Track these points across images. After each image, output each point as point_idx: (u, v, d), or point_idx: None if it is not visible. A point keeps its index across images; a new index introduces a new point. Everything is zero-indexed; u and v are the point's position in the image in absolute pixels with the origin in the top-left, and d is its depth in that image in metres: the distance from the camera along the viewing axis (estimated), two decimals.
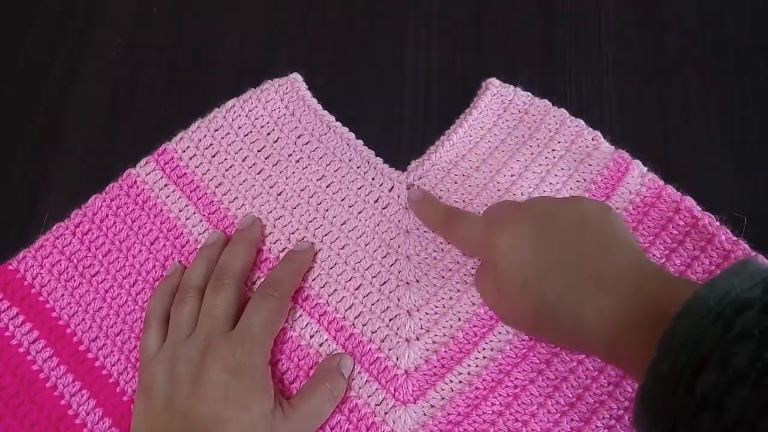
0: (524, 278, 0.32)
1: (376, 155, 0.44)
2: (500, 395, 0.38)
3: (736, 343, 0.23)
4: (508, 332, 0.39)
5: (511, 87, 0.46)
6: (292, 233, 0.42)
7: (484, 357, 0.39)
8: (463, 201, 0.43)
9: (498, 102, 0.45)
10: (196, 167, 0.44)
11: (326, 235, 0.42)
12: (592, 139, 0.44)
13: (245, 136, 0.45)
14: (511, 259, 0.33)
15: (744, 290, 0.24)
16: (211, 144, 0.45)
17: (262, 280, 0.40)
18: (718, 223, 0.40)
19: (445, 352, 0.39)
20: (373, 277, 0.41)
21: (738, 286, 0.24)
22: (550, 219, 0.33)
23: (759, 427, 0.22)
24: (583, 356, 0.38)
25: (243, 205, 0.43)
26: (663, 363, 0.24)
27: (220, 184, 0.44)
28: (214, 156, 0.44)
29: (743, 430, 0.22)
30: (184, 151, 0.44)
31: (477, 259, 0.41)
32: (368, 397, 0.38)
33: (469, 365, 0.39)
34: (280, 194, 0.43)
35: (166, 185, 0.44)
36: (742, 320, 0.23)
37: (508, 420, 0.37)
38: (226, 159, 0.44)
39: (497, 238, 0.34)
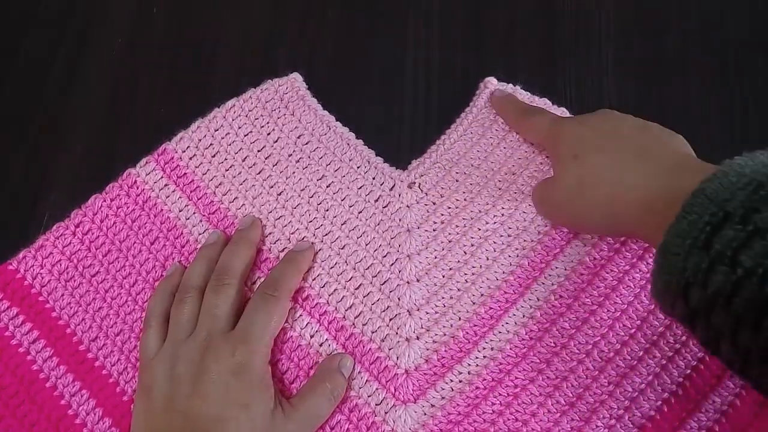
0: (576, 152, 0.35)
1: (376, 155, 0.44)
2: (500, 395, 0.38)
3: (763, 202, 0.23)
4: (508, 332, 0.39)
5: (510, 85, 0.46)
6: (293, 233, 0.42)
7: (484, 356, 0.39)
8: (464, 200, 0.43)
9: None
10: (196, 167, 0.44)
11: (326, 234, 0.42)
12: None
13: (245, 136, 0.45)
14: (569, 138, 0.36)
15: None
16: (211, 144, 0.45)
17: (262, 279, 0.40)
18: None
19: (446, 351, 0.39)
20: (373, 277, 0.41)
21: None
22: (614, 116, 0.37)
23: None
24: (584, 355, 0.38)
25: (243, 205, 0.43)
26: (685, 220, 0.25)
27: (220, 184, 0.44)
28: (214, 156, 0.44)
29: (754, 282, 0.22)
30: (184, 151, 0.44)
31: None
32: (368, 396, 0.38)
33: (469, 365, 0.39)
34: (280, 194, 0.43)
35: (166, 185, 0.44)
36: (766, 184, 0.23)
37: (509, 419, 0.37)
38: (226, 159, 0.44)
39: (564, 125, 0.38)
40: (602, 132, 0.36)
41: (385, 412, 0.37)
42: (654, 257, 0.27)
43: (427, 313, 0.40)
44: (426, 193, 0.43)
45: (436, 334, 0.39)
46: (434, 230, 0.42)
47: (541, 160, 0.43)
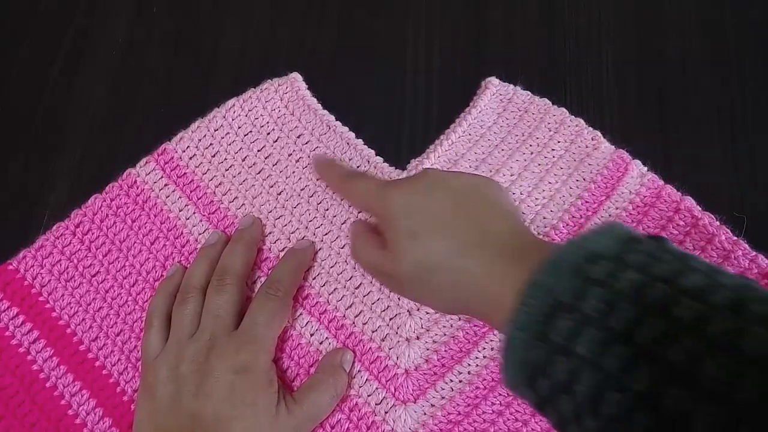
0: (413, 230, 0.33)
1: (376, 155, 0.44)
2: (500, 395, 0.38)
3: (586, 289, 0.24)
4: None
5: (511, 86, 0.46)
6: (292, 233, 0.42)
7: (484, 356, 0.39)
8: None
9: (497, 101, 0.46)
10: (196, 167, 0.44)
11: (326, 234, 0.42)
12: (592, 139, 0.44)
13: (245, 135, 0.45)
14: (402, 210, 0.33)
15: (601, 245, 0.26)
16: (211, 144, 0.45)
17: (263, 279, 0.40)
18: (718, 223, 0.40)
19: (446, 351, 0.39)
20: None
21: (599, 240, 0.26)
22: (443, 182, 0.35)
23: (603, 363, 0.23)
24: None
25: (243, 204, 0.43)
26: (522, 312, 0.26)
27: (220, 183, 0.44)
28: (214, 156, 0.44)
29: (587, 369, 0.23)
30: (184, 151, 0.44)
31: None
32: (368, 396, 0.38)
33: (469, 365, 0.39)
34: (280, 194, 0.43)
35: (166, 185, 0.44)
36: (595, 269, 0.25)
37: (508, 419, 0.37)
38: (226, 159, 0.44)
39: (392, 191, 0.35)
40: (437, 207, 0.33)
41: (385, 412, 0.37)
42: (500, 351, 0.27)
43: (427, 313, 0.40)
44: None
45: (436, 334, 0.39)
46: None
47: (540, 160, 0.43)
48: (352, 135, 0.45)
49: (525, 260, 0.28)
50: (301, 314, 0.40)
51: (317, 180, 0.43)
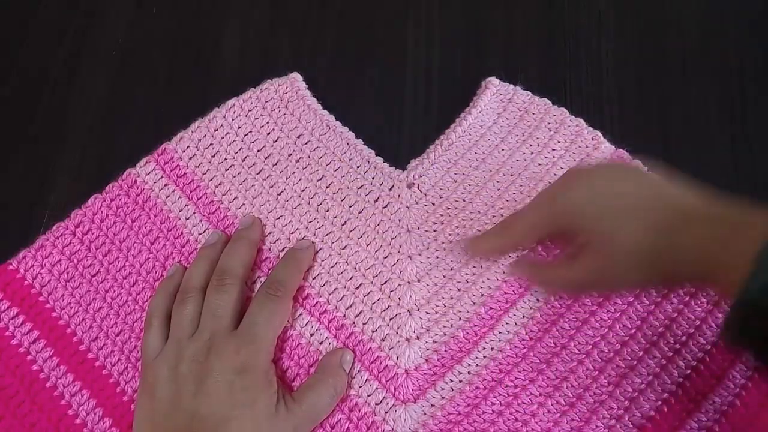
0: (612, 227, 0.33)
1: (376, 155, 0.44)
2: (500, 395, 0.38)
3: None
4: (508, 332, 0.39)
5: (511, 86, 0.46)
6: (293, 233, 0.42)
7: (484, 356, 0.39)
8: (463, 200, 0.43)
9: (497, 101, 0.46)
10: (196, 167, 0.44)
11: (327, 234, 0.42)
12: (592, 139, 0.44)
13: (245, 135, 0.45)
14: (587, 211, 0.34)
15: None
16: (211, 144, 0.45)
17: (263, 279, 0.40)
18: None
19: (446, 351, 0.39)
20: (374, 276, 0.41)
21: None
22: (605, 174, 0.36)
23: None
24: (583, 356, 0.38)
25: (243, 204, 0.43)
26: (763, 275, 0.25)
27: (220, 183, 0.44)
28: (214, 156, 0.44)
29: None
30: (184, 151, 0.44)
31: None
32: (368, 396, 0.38)
33: (469, 365, 0.39)
34: (280, 194, 0.43)
35: (166, 185, 0.44)
36: None
37: (508, 420, 0.37)
38: (226, 159, 0.44)
39: (567, 199, 0.35)
40: (613, 197, 0.34)
41: (385, 412, 0.37)
42: (730, 306, 0.27)
43: (427, 313, 0.40)
44: (425, 194, 0.43)
45: (436, 334, 0.39)
46: (434, 230, 0.42)
47: (540, 160, 0.43)
48: (352, 135, 0.45)
49: (742, 231, 0.28)
50: (301, 314, 0.40)
51: (317, 181, 0.43)
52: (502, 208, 0.42)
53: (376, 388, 0.38)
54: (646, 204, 0.33)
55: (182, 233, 0.42)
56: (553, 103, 0.45)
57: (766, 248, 0.26)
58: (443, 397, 0.38)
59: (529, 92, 0.46)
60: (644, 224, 0.32)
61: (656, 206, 0.33)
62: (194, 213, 0.43)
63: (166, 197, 0.43)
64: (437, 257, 0.41)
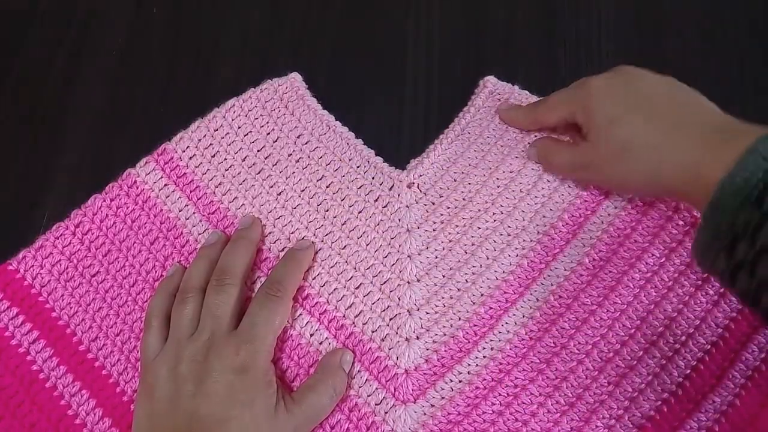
0: (615, 115, 0.35)
1: (376, 155, 0.44)
2: (500, 395, 0.38)
3: (764, 224, 0.25)
4: (508, 332, 0.39)
5: (509, 85, 0.46)
6: (292, 233, 0.42)
7: (484, 356, 0.39)
8: (463, 199, 0.43)
9: (495, 99, 0.46)
10: (196, 167, 0.44)
11: (327, 234, 0.42)
12: None
13: (245, 135, 0.45)
14: (603, 96, 0.36)
15: None
16: (211, 144, 0.45)
17: (263, 279, 0.40)
18: None
19: (446, 351, 0.39)
20: (373, 276, 0.41)
21: None
22: (641, 76, 0.37)
23: None
24: (583, 355, 0.38)
25: (243, 204, 0.43)
26: (739, 176, 0.26)
27: (220, 183, 0.44)
28: (213, 156, 0.44)
29: None
30: (184, 151, 0.44)
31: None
32: (368, 396, 0.38)
33: (469, 365, 0.39)
34: (280, 194, 0.43)
35: (166, 185, 0.44)
36: None
37: (508, 419, 0.37)
38: (226, 159, 0.44)
39: (590, 84, 0.37)
40: (634, 93, 0.36)
41: (385, 412, 0.37)
42: (702, 213, 0.28)
43: (427, 313, 0.40)
44: (425, 193, 0.43)
45: (436, 334, 0.39)
46: (434, 230, 0.42)
47: None
48: (352, 135, 0.45)
49: (734, 140, 0.29)
50: (301, 314, 0.40)
51: (317, 181, 0.44)
52: (502, 206, 0.42)
53: (376, 389, 0.38)
54: (658, 101, 0.35)
55: (182, 233, 0.42)
56: None
57: (748, 152, 0.27)
58: (443, 397, 0.38)
59: (528, 92, 0.46)
60: (644, 118, 0.34)
61: (665, 105, 0.34)
62: (194, 213, 0.43)
63: (166, 197, 0.43)
64: (437, 257, 0.41)
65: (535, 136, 0.44)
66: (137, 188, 0.43)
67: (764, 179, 0.25)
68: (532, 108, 0.43)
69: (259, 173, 0.44)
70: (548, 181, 0.43)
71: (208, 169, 0.44)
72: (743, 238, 0.26)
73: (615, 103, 0.36)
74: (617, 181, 0.39)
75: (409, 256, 0.41)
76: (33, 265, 0.41)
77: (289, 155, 0.44)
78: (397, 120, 0.47)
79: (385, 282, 0.41)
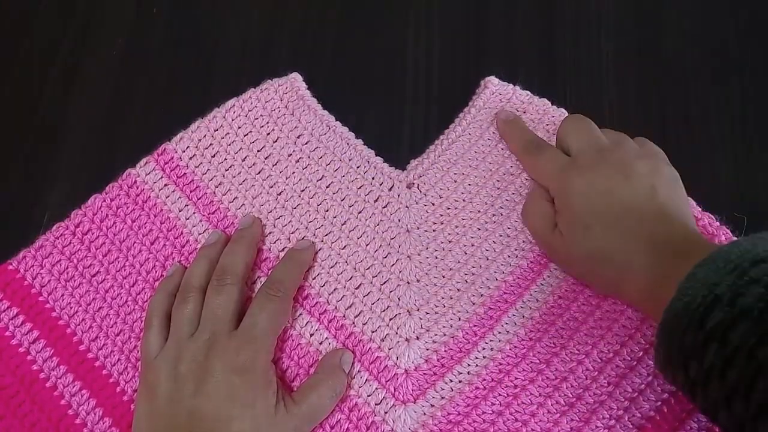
0: (588, 223, 0.36)
1: (376, 155, 0.44)
2: (500, 395, 0.38)
3: (746, 287, 0.26)
4: (508, 332, 0.39)
5: (510, 85, 0.46)
6: (292, 233, 0.42)
7: (484, 357, 0.39)
8: (463, 200, 0.43)
9: (496, 100, 0.46)
10: (196, 167, 0.44)
11: (327, 234, 0.42)
12: None
13: (245, 135, 0.45)
14: (582, 204, 0.37)
15: (764, 251, 0.28)
16: (211, 144, 0.45)
17: (263, 279, 0.40)
18: (718, 223, 0.40)
19: (445, 351, 0.39)
20: (373, 277, 0.41)
21: (759, 246, 0.28)
22: (625, 179, 0.37)
23: (756, 353, 0.25)
24: (583, 356, 0.38)
25: (243, 204, 0.43)
26: (680, 301, 0.28)
27: (220, 183, 0.44)
28: (214, 156, 0.44)
29: (742, 356, 0.25)
30: (184, 151, 0.44)
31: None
32: (368, 396, 0.38)
33: (469, 365, 0.39)
34: (280, 194, 0.43)
35: (166, 185, 0.44)
36: (755, 270, 0.27)
37: (508, 420, 0.37)
38: (226, 159, 0.44)
39: (575, 181, 0.38)
40: (611, 201, 0.36)
41: (385, 412, 0.37)
42: (655, 333, 0.30)
43: (427, 313, 0.40)
44: (425, 194, 0.43)
45: (435, 334, 0.39)
46: (434, 230, 0.42)
47: None
48: (352, 135, 0.45)
49: (685, 258, 0.30)
50: (301, 314, 0.40)
51: (317, 181, 0.44)
52: (501, 208, 0.42)
53: (376, 389, 0.38)
54: (634, 215, 0.36)
55: (182, 233, 0.42)
56: (552, 103, 0.45)
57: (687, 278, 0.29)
58: (443, 398, 0.38)
59: (529, 92, 0.46)
60: (618, 234, 0.35)
61: (636, 220, 0.35)
62: (194, 213, 0.43)
63: (166, 197, 0.43)
64: (436, 257, 0.41)
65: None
66: (137, 188, 0.43)
67: (703, 303, 0.27)
68: (527, 148, 0.42)
69: (259, 173, 0.44)
70: None
71: (208, 169, 0.44)
72: (693, 359, 0.27)
73: (592, 212, 0.36)
74: (582, 278, 0.40)
75: (408, 257, 0.41)
76: (33, 265, 0.41)
77: (289, 155, 0.44)
78: (397, 120, 0.47)
79: (384, 282, 0.41)
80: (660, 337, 0.30)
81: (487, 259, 0.41)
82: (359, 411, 0.38)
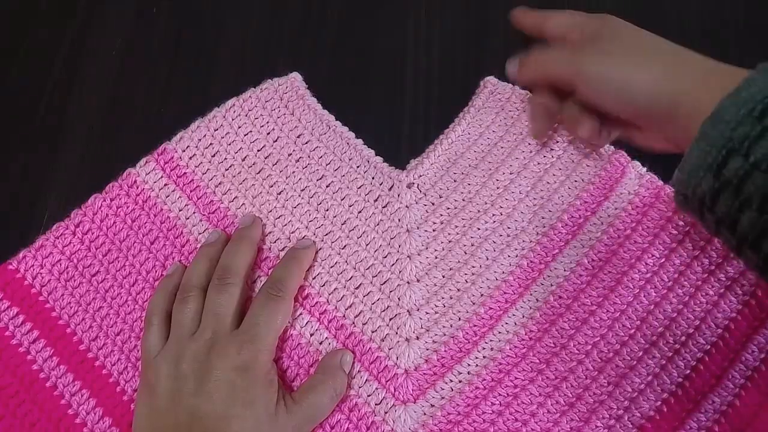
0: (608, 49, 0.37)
1: (376, 154, 0.44)
2: (500, 395, 0.38)
3: (763, 136, 0.25)
4: (508, 332, 0.39)
5: (509, 85, 0.46)
6: (293, 232, 0.42)
7: (484, 357, 0.39)
8: (462, 199, 0.43)
9: (496, 100, 0.46)
10: (196, 167, 0.44)
11: (327, 234, 0.42)
12: None
13: (245, 135, 0.45)
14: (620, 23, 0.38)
15: None
16: (211, 143, 0.45)
17: (263, 279, 0.40)
18: None
19: (445, 351, 0.39)
20: (373, 276, 0.41)
21: None
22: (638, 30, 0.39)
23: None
24: (583, 356, 0.38)
25: (243, 204, 0.43)
26: (746, 90, 0.27)
27: (220, 183, 0.44)
28: (214, 155, 0.44)
29: (755, 203, 0.25)
30: (184, 151, 0.44)
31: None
32: (368, 396, 0.38)
33: (469, 365, 0.39)
34: (280, 193, 0.43)
35: (166, 185, 0.44)
36: None
37: (508, 420, 0.37)
38: (226, 158, 0.44)
39: (609, 17, 0.39)
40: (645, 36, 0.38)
41: (385, 412, 0.37)
42: (699, 131, 0.29)
43: (427, 313, 0.40)
44: (425, 194, 0.43)
45: (436, 334, 0.39)
46: (434, 230, 0.42)
47: (539, 159, 0.44)
48: (352, 135, 0.45)
49: (729, 75, 0.30)
50: (301, 314, 0.40)
51: (317, 180, 0.44)
52: (501, 207, 0.42)
53: (376, 389, 0.38)
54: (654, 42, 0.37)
55: (182, 233, 0.42)
56: None
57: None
58: (443, 397, 0.38)
59: (528, 92, 0.46)
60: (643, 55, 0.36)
61: (661, 47, 0.36)
62: (194, 213, 0.43)
63: (166, 197, 0.43)
64: (437, 257, 0.41)
65: (536, 143, 0.44)
66: (137, 188, 0.43)
67: (718, 154, 0.27)
68: (533, 60, 0.41)
69: (259, 173, 0.44)
70: (548, 182, 0.43)
71: (208, 169, 0.44)
72: (737, 152, 0.26)
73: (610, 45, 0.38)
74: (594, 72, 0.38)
75: (408, 257, 0.41)
76: (33, 265, 0.41)
77: (289, 155, 0.44)
78: (397, 120, 0.47)
79: (385, 282, 0.41)
80: (704, 130, 0.28)
81: (487, 259, 0.41)
82: (359, 411, 0.38)
